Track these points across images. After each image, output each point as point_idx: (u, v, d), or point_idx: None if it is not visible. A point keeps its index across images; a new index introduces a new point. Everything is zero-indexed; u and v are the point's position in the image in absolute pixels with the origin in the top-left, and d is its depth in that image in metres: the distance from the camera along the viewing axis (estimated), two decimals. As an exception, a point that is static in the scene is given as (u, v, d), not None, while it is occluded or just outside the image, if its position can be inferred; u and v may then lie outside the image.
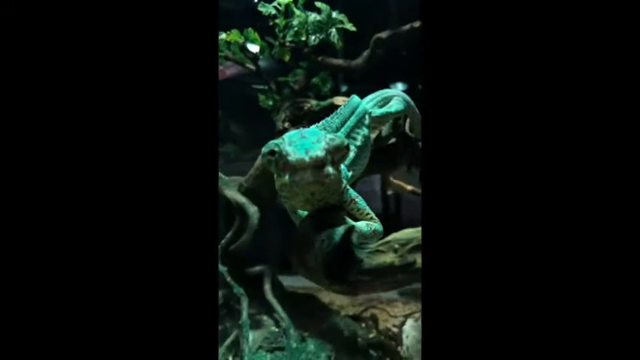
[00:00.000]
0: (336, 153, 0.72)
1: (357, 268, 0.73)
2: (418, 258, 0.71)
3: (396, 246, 0.73)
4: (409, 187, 1.83)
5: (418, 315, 1.81)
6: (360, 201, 0.86)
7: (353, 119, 1.06)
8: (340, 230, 0.75)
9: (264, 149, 0.74)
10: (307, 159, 0.67)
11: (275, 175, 0.77)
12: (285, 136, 0.74)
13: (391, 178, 1.85)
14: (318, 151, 0.68)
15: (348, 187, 0.86)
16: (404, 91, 1.39)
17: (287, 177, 0.70)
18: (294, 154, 0.68)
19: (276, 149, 0.72)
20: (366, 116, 1.13)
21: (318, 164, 0.68)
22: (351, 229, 0.77)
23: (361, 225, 0.82)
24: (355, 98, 1.13)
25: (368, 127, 1.13)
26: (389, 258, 0.73)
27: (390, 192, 1.90)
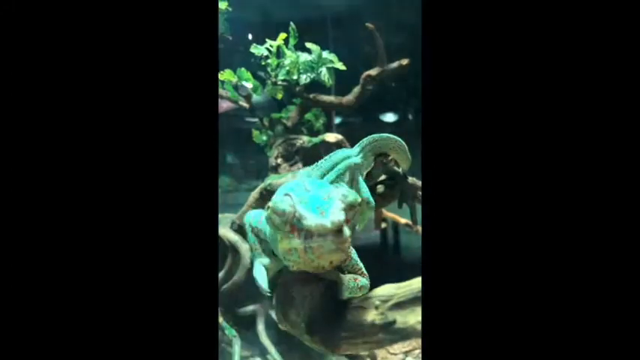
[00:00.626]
0: (351, 210, 0.64)
1: (341, 326, 0.72)
2: (399, 317, 0.69)
3: (377, 302, 0.71)
4: (403, 220, 1.83)
5: (417, 352, 1.76)
6: (354, 256, 0.82)
7: (331, 175, 1.00)
8: (325, 286, 0.73)
9: (273, 205, 0.64)
10: (329, 224, 0.58)
11: (279, 236, 0.65)
12: (287, 189, 0.66)
13: (385, 212, 1.84)
14: (339, 215, 0.59)
15: None
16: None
17: (298, 241, 0.61)
18: (311, 217, 0.59)
19: (287, 209, 0.62)
20: (347, 172, 1.06)
21: (339, 228, 0.59)
22: (337, 284, 0.76)
23: (348, 279, 0.79)
24: (339, 153, 1.08)
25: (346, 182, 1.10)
26: (370, 316, 0.71)
27: (384, 225, 1.90)
